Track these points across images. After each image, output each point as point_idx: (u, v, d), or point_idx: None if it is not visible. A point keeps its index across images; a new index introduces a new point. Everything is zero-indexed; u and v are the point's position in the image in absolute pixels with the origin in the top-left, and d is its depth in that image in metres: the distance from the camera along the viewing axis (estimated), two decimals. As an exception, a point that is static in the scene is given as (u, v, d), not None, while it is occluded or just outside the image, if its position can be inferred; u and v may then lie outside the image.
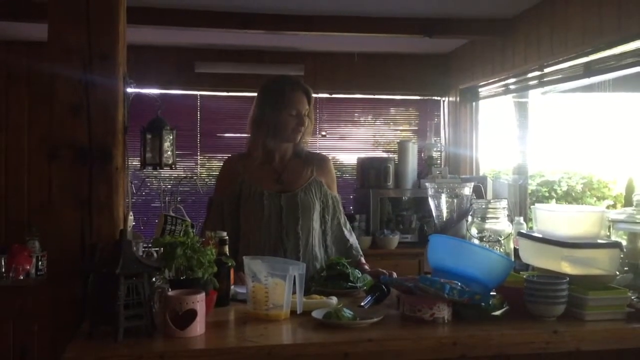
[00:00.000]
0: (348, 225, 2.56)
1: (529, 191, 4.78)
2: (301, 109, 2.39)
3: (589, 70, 3.27)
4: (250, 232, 2.37)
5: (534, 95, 4.51)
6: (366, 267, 2.43)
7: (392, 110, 5.20)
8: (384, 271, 2.28)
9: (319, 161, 2.53)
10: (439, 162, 4.91)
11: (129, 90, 1.97)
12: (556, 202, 6.31)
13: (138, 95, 2.05)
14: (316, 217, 2.43)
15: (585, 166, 6.51)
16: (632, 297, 1.86)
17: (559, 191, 6.49)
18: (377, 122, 5.17)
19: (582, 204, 6.26)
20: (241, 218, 2.39)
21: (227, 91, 4.90)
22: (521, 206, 4.15)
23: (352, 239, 2.54)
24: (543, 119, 5.38)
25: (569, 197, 6.49)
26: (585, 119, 5.59)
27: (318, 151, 2.69)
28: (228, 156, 2.59)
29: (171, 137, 2.29)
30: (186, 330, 1.59)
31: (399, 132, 5.20)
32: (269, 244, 2.35)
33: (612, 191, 6.50)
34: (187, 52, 4.69)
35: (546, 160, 6.21)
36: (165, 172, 4.57)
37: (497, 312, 1.82)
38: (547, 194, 6.46)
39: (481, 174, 4.76)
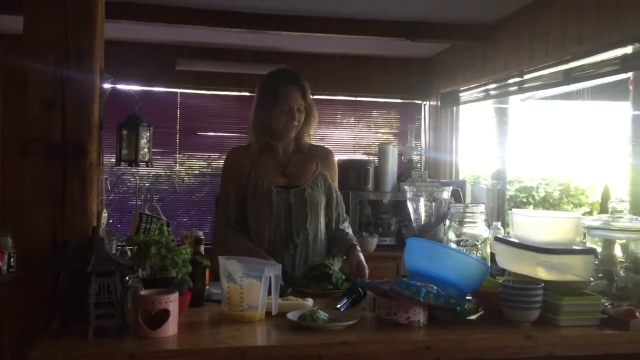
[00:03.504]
0: (347, 220, 2.57)
1: (507, 197, 4.81)
2: (293, 104, 2.38)
3: (568, 77, 3.29)
4: (259, 228, 2.37)
5: (514, 102, 4.55)
6: (357, 250, 2.40)
7: (374, 113, 5.20)
8: (365, 266, 2.29)
9: (323, 154, 2.55)
10: (419, 165, 4.92)
11: (106, 85, 1.94)
12: (534, 208, 6.37)
13: (116, 91, 2.03)
14: (322, 212, 2.45)
15: (563, 173, 6.59)
16: (606, 304, 1.87)
17: (536, 197, 6.56)
18: (358, 124, 5.16)
19: (559, 210, 6.33)
20: (249, 213, 2.39)
21: (208, 89, 4.85)
22: (499, 211, 4.17)
23: (348, 229, 2.54)
24: (522, 125, 5.43)
25: (547, 203, 6.56)
26: (563, 126, 5.65)
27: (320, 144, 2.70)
28: (231, 149, 2.60)
29: (148, 134, 2.26)
30: (158, 330, 1.57)
31: (379, 134, 5.20)
32: (279, 241, 2.36)
33: (589, 198, 6.58)
34: (168, 49, 4.64)
35: (524, 166, 6.27)
36: (143, 170, 4.51)
37: (473, 317, 1.83)
38: (525, 200, 6.51)
39: (460, 178, 4.79)
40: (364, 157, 4.99)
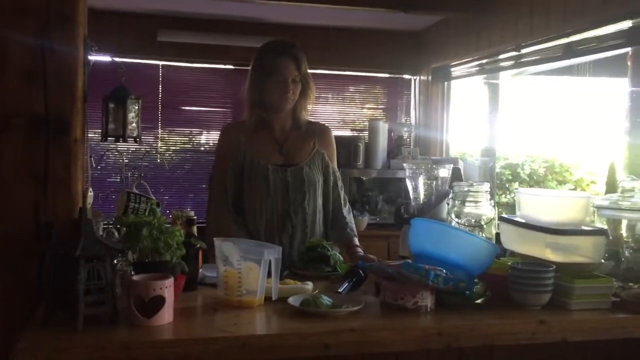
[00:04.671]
0: (347, 204, 2.48)
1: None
2: (287, 74, 2.28)
3: (569, 51, 3.19)
4: (255, 207, 2.28)
5: (505, 77, 4.45)
6: (358, 249, 2.33)
7: (361, 88, 5.06)
8: (373, 257, 2.18)
9: (320, 131, 2.45)
10: (408, 142, 4.83)
11: (91, 57, 1.81)
12: (519, 185, 6.34)
13: (96, 62, 1.89)
14: (319, 192, 2.36)
15: (548, 150, 6.56)
16: (616, 286, 1.82)
17: (522, 174, 6.53)
18: (345, 99, 5.04)
19: (543, 187, 6.32)
20: (245, 193, 2.30)
21: (192, 62, 4.68)
22: (490, 189, 4.10)
23: (349, 217, 2.45)
24: (513, 101, 5.36)
25: (532, 180, 6.54)
26: (555, 102, 5.59)
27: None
28: (225, 125, 2.50)
29: (136, 107, 2.12)
30: (153, 318, 1.47)
31: (365, 110, 5.08)
32: (277, 220, 2.28)
33: (574, 175, 6.57)
34: (150, 19, 4.44)
35: (512, 143, 6.23)
36: (122, 146, 4.35)
37: (479, 300, 1.76)
38: (510, 177, 6.49)
39: (451, 155, 4.71)
40: (354, 134, 4.87)
